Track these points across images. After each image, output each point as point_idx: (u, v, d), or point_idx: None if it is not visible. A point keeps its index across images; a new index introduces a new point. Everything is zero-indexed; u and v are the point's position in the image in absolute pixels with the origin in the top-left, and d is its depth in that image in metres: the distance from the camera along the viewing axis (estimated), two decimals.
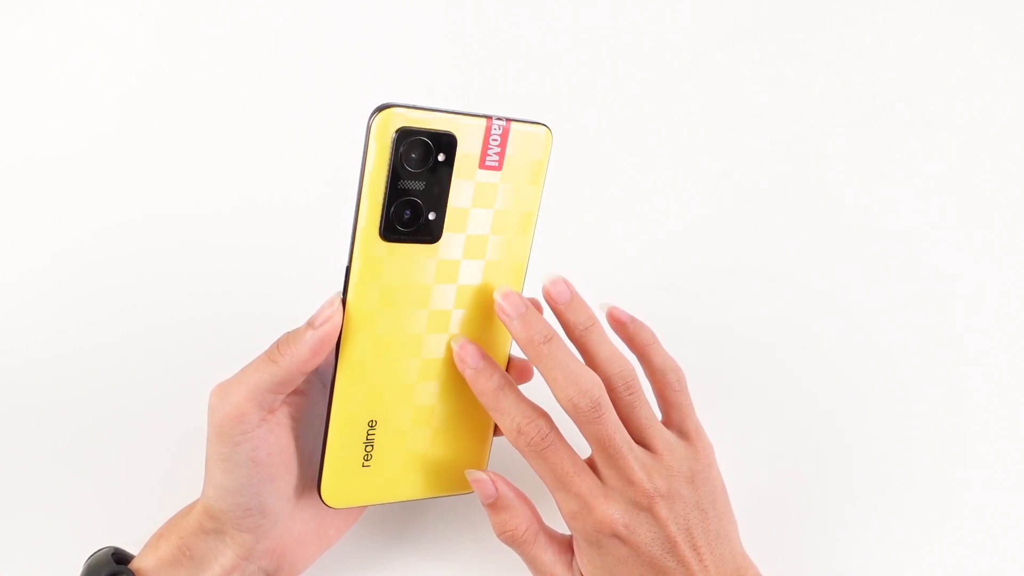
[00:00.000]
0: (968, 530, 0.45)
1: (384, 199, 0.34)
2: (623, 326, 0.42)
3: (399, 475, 0.40)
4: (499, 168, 0.37)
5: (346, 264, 0.35)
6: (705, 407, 0.49)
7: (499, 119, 0.36)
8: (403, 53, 0.74)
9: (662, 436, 0.39)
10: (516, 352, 0.42)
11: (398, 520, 0.46)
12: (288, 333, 0.36)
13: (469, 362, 0.38)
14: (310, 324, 0.35)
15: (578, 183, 0.70)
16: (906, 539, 0.45)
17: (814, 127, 0.72)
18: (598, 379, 0.37)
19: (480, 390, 0.38)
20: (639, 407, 0.39)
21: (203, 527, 0.37)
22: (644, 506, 0.36)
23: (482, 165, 0.36)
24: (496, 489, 0.38)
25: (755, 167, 0.70)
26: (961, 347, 0.57)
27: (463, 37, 0.74)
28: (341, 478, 0.38)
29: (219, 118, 0.72)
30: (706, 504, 0.38)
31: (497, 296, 0.38)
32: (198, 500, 0.38)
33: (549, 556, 0.38)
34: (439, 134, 0.34)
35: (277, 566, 0.38)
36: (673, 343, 0.43)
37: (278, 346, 0.35)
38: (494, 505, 0.38)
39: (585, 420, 0.37)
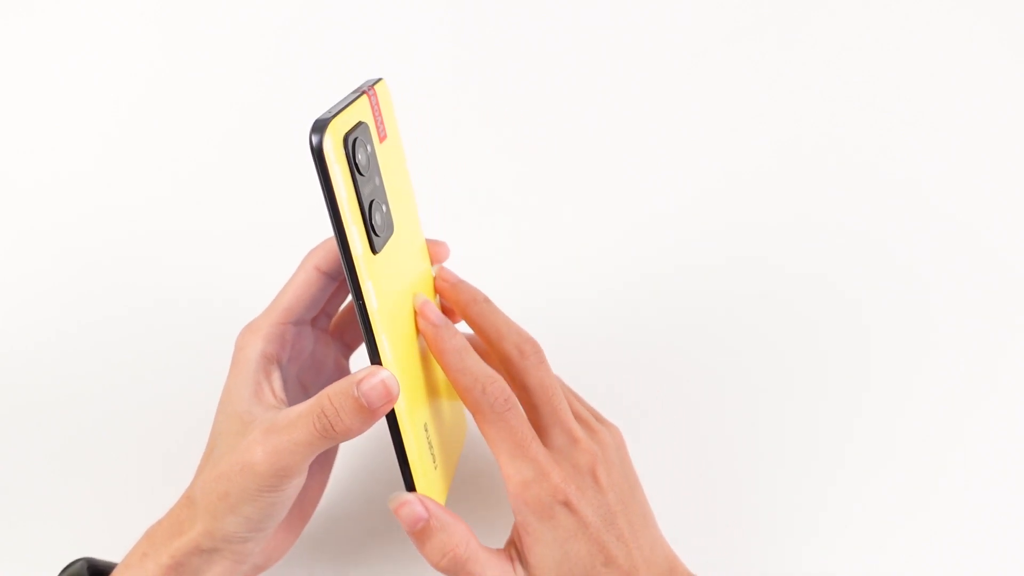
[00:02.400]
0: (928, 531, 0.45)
1: (361, 213, 0.32)
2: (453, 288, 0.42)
3: (447, 458, 0.40)
4: (387, 136, 0.36)
5: (357, 301, 0.33)
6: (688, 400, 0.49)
7: (369, 91, 0.35)
8: (403, 53, 0.74)
9: (585, 406, 0.41)
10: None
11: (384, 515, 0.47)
12: (333, 397, 0.33)
13: (432, 318, 0.37)
14: (364, 404, 0.32)
15: (577, 183, 0.70)
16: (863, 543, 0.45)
17: (814, 127, 0.71)
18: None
19: (443, 348, 0.36)
20: (553, 377, 0.40)
21: (200, 547, 0.35)
22: (587, 468, 0.36)
23: (381, 139, 0.35)
24: (427, 509, 0.34)
25: (755, 167, 0.70)
26: (935, 352, 0.57)
27: (463, 37, 0.74)
28: (430, 495, 0.36)
29: (221, 122, 0.72)
30: (632, 480, 0.38)
31: (434, 270, 0.41)
32: (180, 513, 0.36)
33: (493, 569, 0.35)
34: (360, 125, 0.33)
35: (267, 558, 0.38)
36: (660, 339, 0.43)
37: (330, 421, 0.33)
38: (425, 530, 0.34)
39: (531, 365, 0.38)
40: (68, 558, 0.41)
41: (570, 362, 0.49)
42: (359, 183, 0.32)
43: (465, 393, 0.36)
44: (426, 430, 0.37)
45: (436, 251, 0.41)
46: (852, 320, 0.59)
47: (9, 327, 0.60)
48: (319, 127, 0.31)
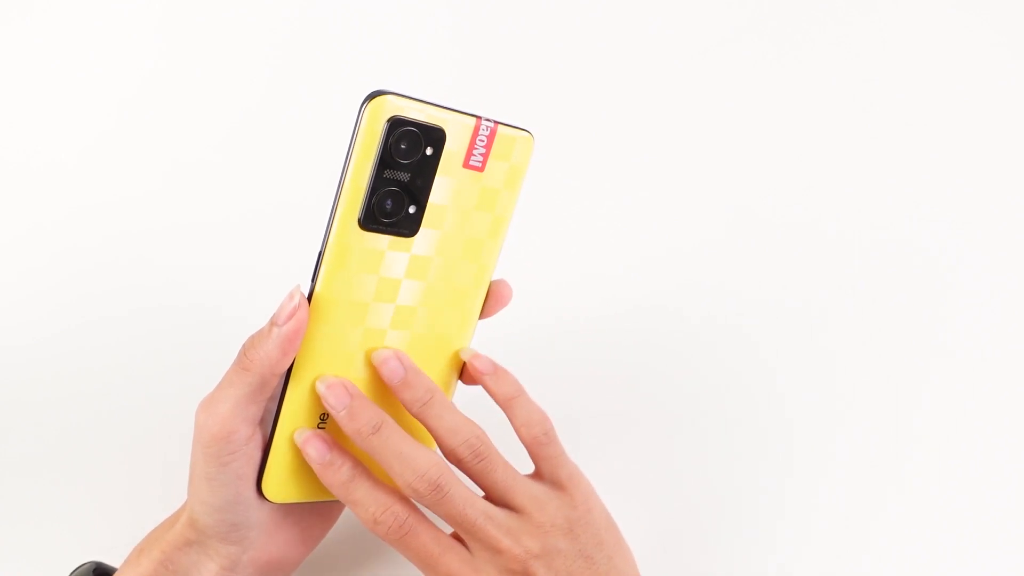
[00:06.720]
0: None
1: (368, 187, 0.34)
2: (482, 376, 0.40)
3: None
4: (481, 170, 0.37)
5: (319, 250, 0.35)
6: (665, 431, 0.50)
7: (488, 121, 0.36)
8: (408, 56, 0.74)
9: (527, 492, 0.37)
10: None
11: None
12: (252, 336, 0.34)
13: (315, 457, 0.35)
14: (274, 322, 0.34)
15: (576, 184, 0.70)
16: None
17: (813, 128, 0.71)
18: (436, 458, 0.35)
19: (330, 483, 0.35)
20: (493, 471, 0.37)
21: (187, 539, 0.36)
22: (518, 572, 0.35)
23: (466, 164, 0.36)
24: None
25: (753, 170, 0.70)
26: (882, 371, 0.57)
27: (463, 35, 0.74)
28: (286, 473, 0.37)
29: (220, 121, 0.72)
30: (591, 550, 0.36)
31: (320, 388, 0.36)
32: (179, 512, 0.38)
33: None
34: (429, 127, 0.34)
35: (263, 575, 0.38)
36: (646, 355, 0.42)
37: (245, 352, 0.34)
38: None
39: (430, 503, 0.35)
40: (69, 559, 0.42)
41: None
42: (382, 161, 0.34)
43: (363, 523, 0.35)
44: (322, 420, 0.37)
45: (498, 291, 0.40)
46: (854, 328, 0.59)
47: (8, 325, 0.60)
48: (373, 94, 0.33)
